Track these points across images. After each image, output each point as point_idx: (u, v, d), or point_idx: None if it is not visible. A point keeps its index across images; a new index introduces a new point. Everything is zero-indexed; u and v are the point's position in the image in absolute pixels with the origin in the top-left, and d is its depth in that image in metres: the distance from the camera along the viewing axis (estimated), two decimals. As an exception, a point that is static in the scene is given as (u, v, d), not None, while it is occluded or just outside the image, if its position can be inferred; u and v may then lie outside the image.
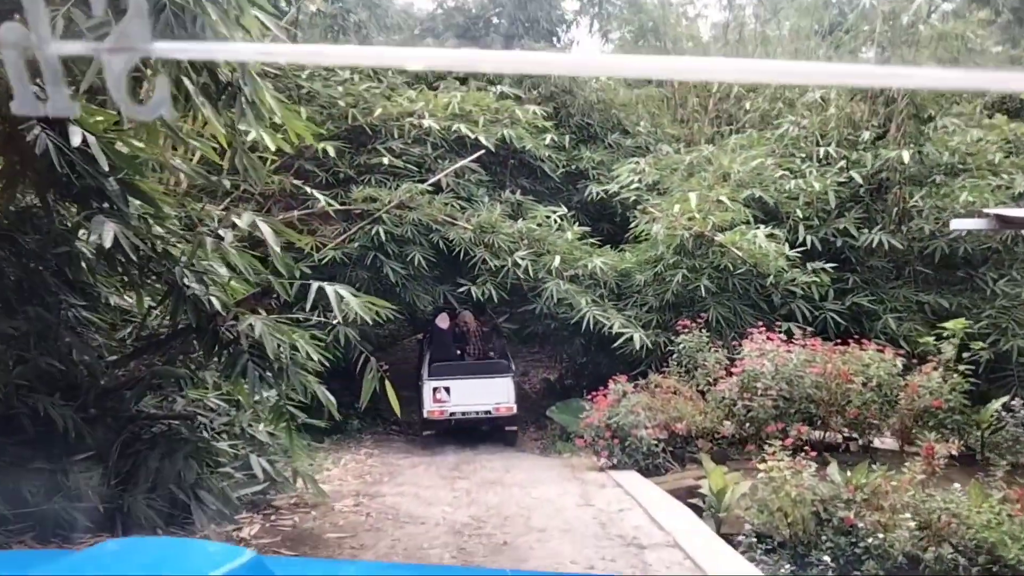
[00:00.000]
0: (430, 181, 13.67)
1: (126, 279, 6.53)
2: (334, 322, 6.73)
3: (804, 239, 14.40)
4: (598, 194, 16.72)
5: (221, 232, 6.36)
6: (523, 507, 9.35)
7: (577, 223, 15.49)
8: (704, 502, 9.75)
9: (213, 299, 6.16)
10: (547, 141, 16.63)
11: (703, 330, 13.09)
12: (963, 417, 11.45)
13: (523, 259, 13.97)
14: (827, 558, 8.23)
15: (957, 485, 8.83)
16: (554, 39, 24.07)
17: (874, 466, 9.39)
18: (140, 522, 6.28)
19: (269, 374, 6.33)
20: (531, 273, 13.92)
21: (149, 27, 1.05)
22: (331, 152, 13.21)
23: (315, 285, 6.21)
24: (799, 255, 13.91)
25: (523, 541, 7.91)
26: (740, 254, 13.42)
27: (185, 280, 6.08)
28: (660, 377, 12.73)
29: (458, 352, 15.60)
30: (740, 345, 12.36)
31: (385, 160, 14.33)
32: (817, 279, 13.72)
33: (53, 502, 6.07)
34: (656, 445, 11.49)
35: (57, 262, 6.42)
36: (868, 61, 15.77)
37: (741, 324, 13.65)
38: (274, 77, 13.38)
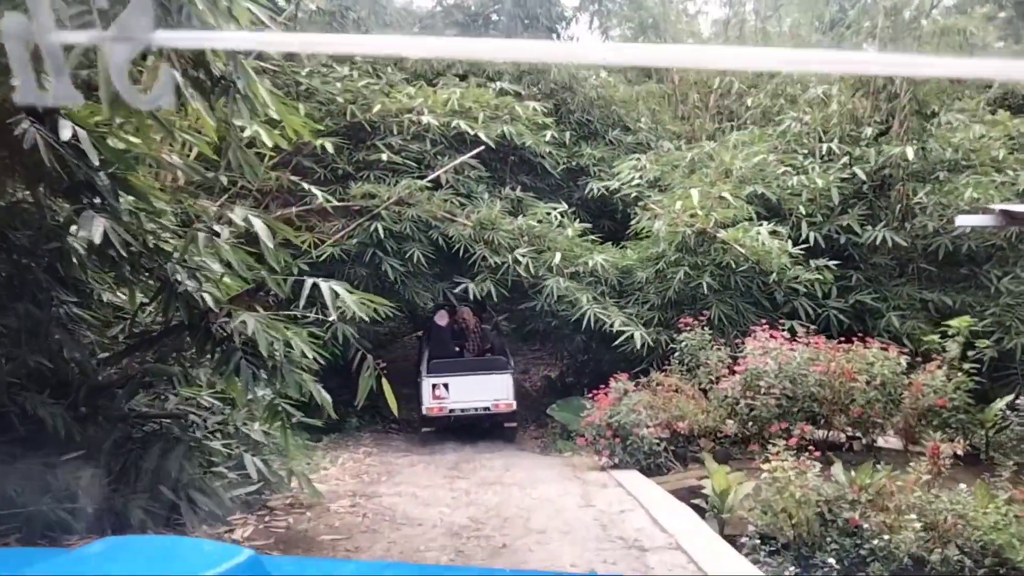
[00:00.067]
0: (429, 177, 13.55)
1: (117, 275, 6.39)
2: (330, 319, 6.55)
3: (807, 236, 14.27)
4: (599, 191, 16.62)
5: (217, 228, 6.23)
6: (523, 508, 9.22)
7: (578, 220, 15.42)
8: (707, 503, 9.63)
9: (206, 295, 6.04)
10: (547, 138, 16.49)
11: (705, 328, 12.96)
12: (967, 416, 11.32)
13: (523, 256, 13.88)
14: (832, 560, 8.10)
15: (963, 486, 8.71)
16: (554, 36, 23.94)
17: (878, 466, 9.26)
18: (131, 523, 6.15)
19: (263, 372, 6.20)
20: (531, 270, 13.82)
21: (152, 17, 1.06)
22: (329, 148, 13.05)
23: (309, 281, 6.08)
24: (802, 252, 13.78)
25: (522, 543, 7.78)
26: (743, 251, 13.31)
27: (177, 276, 5.96)
28: (662, 375, 12.62)
29: (457, 349, 15.55)
30: (743, 343, 12.25)
31: (384, 156, 14.21)
32: (820, 276, 13.60)
33: (41, 502, 5.95)
34: (658, 444, 11.37)
35: (48, 258, 6.30)
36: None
37: (743, 322, 13.56)
38: (272, 73, 13.27)
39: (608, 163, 17.43)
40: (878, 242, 14.46)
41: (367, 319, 7.15)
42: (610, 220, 17.10)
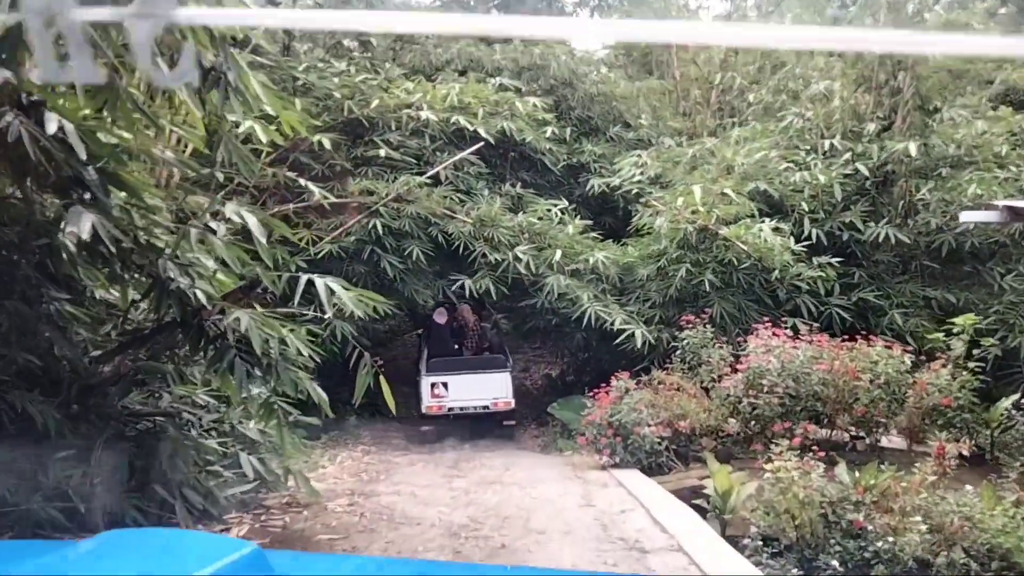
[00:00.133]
0: (428, 174, 13.38)
1: (109, 272, 6.27)
2: (326, 316, 6.44)
3: (809, 233, 14.16)
4: (599, 187, 16.51)
5: (214, 225, 6.11)
6: (522, 507, 9.10)
7: (578, 217, 15.30)
8: (708, 503, 9.51)
9: (198, 292, 5.91)
10: (548, 134, 16.42)
11: (707, 326, 12.86)
12: (972, 416, 11.21)
13: (524, 253, 13.77)
14: (835, 562, 7.97)
15: (969, 487, 8.59)
16: (555, 31, 23.79)
17: (883, 466, 9.15)
18: (123, 523, 6.04)
19: (257, 370, 6.09)
20: (532, 268, 13.73)
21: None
22: (327, 145, 12.96)
23: (304, 278, 5.96)
24: (804, 249, 13.68)
25: (521, 544, 7.67)
26: (745, 248, 13.19)
27: (169, 273, 5.84)
28: (663, 373, 12.51)
29: (455, 347, 15.51)
30: (745, 341, 12.14)
31: (382, 152, 14.13)
32: (823, 274, 13.49)
33: (32, 502, 5.84)
34: (659, 443, 11.27)
35: (39, 255, 6.18)
36: (873, 53, 15.49)
37: (745, 320, 13.45)
38: (268, 69, 13.16)
39: (609, 160, 17.36)
40: (881, 239, 14.36)
41: (365, 316, 7.06)
42: (611, 217, 17.00)
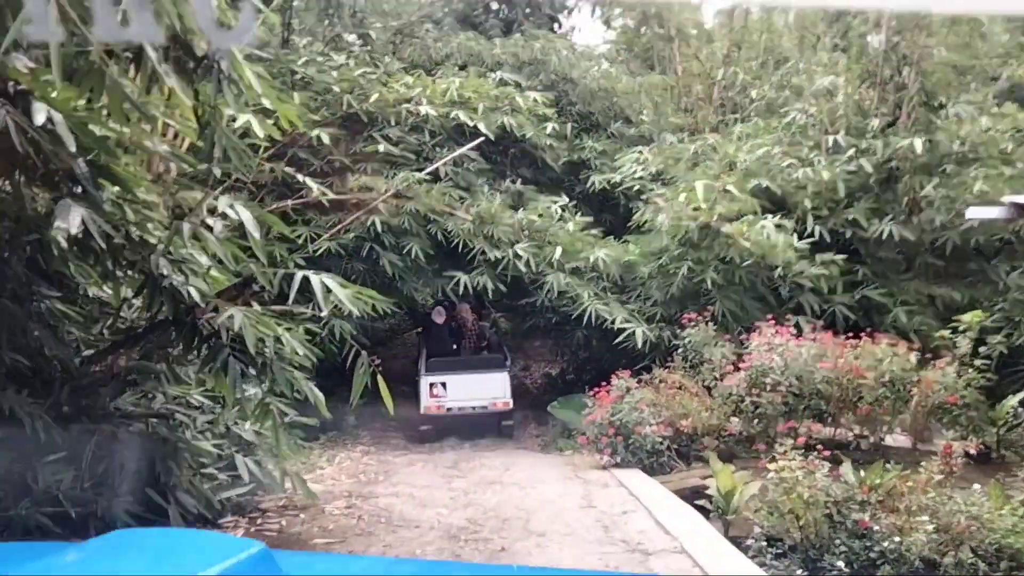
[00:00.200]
0: (428, 170, 13.27)
1: (101, 269, 6.13)
2: (322, 314, 6.30)
3: (812, 230, 14.01)
4: (600, 184, 16.41)
5: (210, 221, 5.97)
6: (522, 509, 8.98)
7: (579, 214, 15.14)
8: (711, 503, 9.39)
9: (192, 290, 5.78)
10: (548, 130, 16.29)
11: (709, 324, 12.73)
12: (978, 414, 11.09)
13: (524, 251, 13.64)
14: (841, 563, 7.85)
15: (977, 486, 8.45)
16: (555, 25, 23.72)
17: (888, 465, 9.03)
18: (114, 527, 5.90)
19: (252, 369, 5.96)
20: (532, 265, 13.59)
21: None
22: (326, 140, 12.85)
23: (300, 275, 5.82)
24: (808, 246, 13.54)
25: (521, 547, 7.54)
26: (747, 245, 13.05)
27: (162, 269, 5.70)
28: (665, 372, 12.39)
29: (454, 347, 15.51)
30: (747, 339, 12.02)
31: (381, 148, 13.97)
32: (826, 271, 13.36)
33: (20, 507, 5.71)
34: (661, 443, 11.16)
35: (29, 250, 6.04)
36: (878, 47, 15.36)
37: (748, 318, 13.30)
38: (267, 63, 13.04)
39: (610, 156, 17.25)
40: (884, 236, 14.19)
41: (364, 315, 6.95)
42: (612, 214, 16.87)
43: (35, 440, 5.76)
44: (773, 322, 12.04)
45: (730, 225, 13.31)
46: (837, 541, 8.02)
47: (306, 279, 5.78)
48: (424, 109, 14.39)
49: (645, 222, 14.65)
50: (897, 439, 11.81)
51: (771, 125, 16.30)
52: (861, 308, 13.99)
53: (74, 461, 6.08)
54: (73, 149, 4.93)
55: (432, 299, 14.98)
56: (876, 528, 7.99)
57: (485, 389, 14.27)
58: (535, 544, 7.62)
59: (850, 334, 11.93)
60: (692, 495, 9.90)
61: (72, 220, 4.92)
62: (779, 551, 8.14)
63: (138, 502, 6.24)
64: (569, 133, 17.41)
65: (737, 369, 11.58)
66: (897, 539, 7.81)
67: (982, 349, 11.46)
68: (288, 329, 6.28)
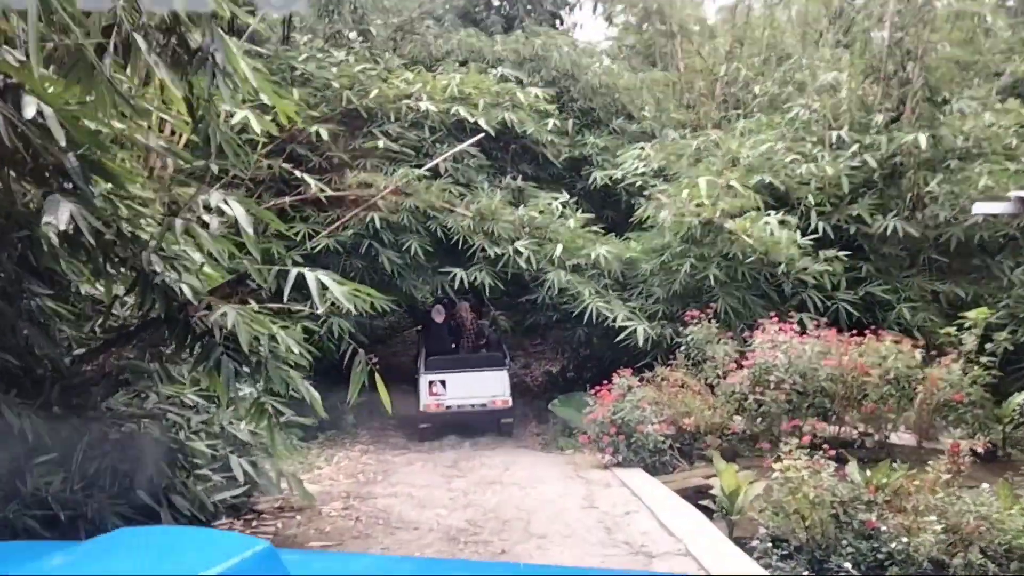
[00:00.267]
0: (428, 166, 13.14)
1: (93, 266, 5.99)
2: (318, 312, 6.18)
3: (816, 226, 13.90)
4: (602, 181, 16.27)
5: (207, 217, 5.84)
6: (523, 509, 8.86)
7: (580, 210, 15.02)
8: (715, 503, 9.27)
9: (184, 287, 5.65)
10: (549, 126, 16.17)
11: (711, 321, 12.60)
12: (984, 411, 10.98)
13: (524, 248, 13.50)
14: (848, 564, 7.73)
15: (986, 485, 8.32)
16: (557, 21, 23.59)
17: (894, 464, 8.90)
18: (105, 530, 5.76)
19: (246, 368, 5.83)
20: (532, 262, 13.46)
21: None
22: (325, 136, 12.75)
23: (294, 272, 5.68)
24: (811, 243, 13.42)
25: (522, 548, 7.42)
26: (750, 242, 12.92)
27: (154, 266, 5.57)
28: (667, 370, 12.30)
29: (452, 345, 15.53)
30: (751, 336, 11.90)
31: (381, 144, 13.82)
32: (830, 268, 13.24)
33: (8, 509, 5.57)
34: (663, 442, 11.06)
35: (19, 247, 5.90)
36: (881, 42, 15.24)
37: (750, 315, 13.24)
38: (266, 59, 12.94)
39: (612, 152, 17.12)
40: (888, 232, 14.07)
41: (363, 313, 6.84)
42: (613, 211, 16.75)
43: (24, 441, 5.63)
44: (776, 319, 11.93)
45: (733, 221, 13.18)
46: (844, 542, 7.92)
47: (301, 276, 5.64)
48: (424, 105, 14.25)
49: (647, 218, 14.52)
50: (902, 437, 11.70)
51: (774, 121, 16.17)
52: (864, 305, 13.87)
53: (64, 462, 5.95)
54: (63, 143, 4.80)
55: (432, 297, 14.88)
56: (883, 529, 7.89)
57: (484, 387, 14.24)
58: (536, 546, 7.50)
59: (854, 331, 11.84)
60: (695, 495, 9.81)
61: (61, 216, 4.79)
62: (785, 552, 8.03)
63: (129, 504, 6.10)
64: (570, 129, 17.30)
65: (740, 367, 11.47)
66: (905, 540, 7.71)
67: (988, 346, 11.32)
68: (284, 327, 6.15)
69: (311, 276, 5.61)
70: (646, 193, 14.95)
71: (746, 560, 7.38)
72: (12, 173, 5.58)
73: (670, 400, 11.57)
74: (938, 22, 15.05)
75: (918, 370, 10.99)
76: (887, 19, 15.14)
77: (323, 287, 5.66)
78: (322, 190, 11.00)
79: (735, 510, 8.98)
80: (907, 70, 14.83)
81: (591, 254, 13.85)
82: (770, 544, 8.05)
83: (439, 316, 15.60)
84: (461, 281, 13.76)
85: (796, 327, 11.78)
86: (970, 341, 11.17)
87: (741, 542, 8.14)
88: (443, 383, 14.13)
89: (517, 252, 13.44)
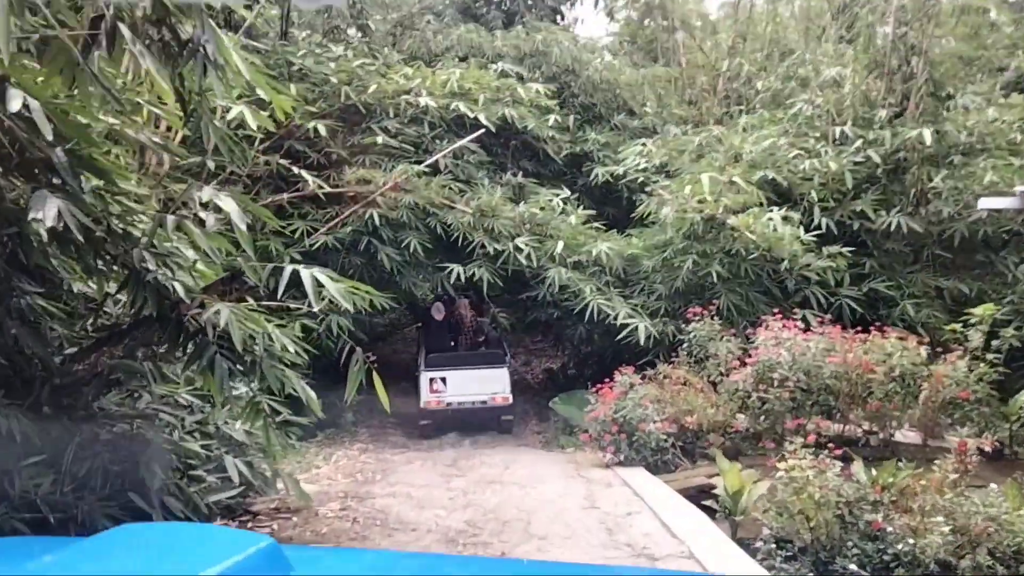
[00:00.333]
0: (427, 162, 13.00)
1: (83, 263, 5.87)
2: (316, 310, 6.05)
3: (819, 222, 13.79)
4: (603, 177, 16.13)
5: (203, 214, 5.71)
6: (523, 510, 8.74)
7: (581, 207, 14.92)
8: (718, 503, 9.15)
9: (176, 284, 5.53)
10: (550, 122, 16.03)
11: (714, 318, 12.50)
12: (990, 409, 10.86)
13: (525, 244, 13.38)
14: (853, 565, 7.61)
15: (994, 486, 8.20)
16: (558, 16, 23.45)
17: (900, 463, 8.80)
18: (95, 532, 5.66)
19: (240, 367, 5.70)
20: (533, 259, 13.35)
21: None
22: (323, 131, 12.62)
23: (289, 269, 5.55)
24: (814, 239, 13.29)
25: (522, 551, 7.30)
26: (753, 238, 12.80)
27: (145, 264, 5.44)
28: (669, 367, 12.18)
29: (451, 343, 15.56)
30: (754, 333, 11.80)
31: (379, 140, 13.71)
32: (833, 264, 13.11)
33: (-3, 513, 5.46)
34: (665, 440, 10.96)
35: (9, 244, 5.78)
36: (885, 37, 15.13)
37: (753, 312, 13.15)
38: (264, 54, 12.81)
39: (613, 148, 17.00)
40: (892, 228, 13.98)
41: (363, 310, 6.73)
42: (615, 207, 16.64)
43: (12, 442, 5.50)
44: (780, 316, 11.82)
45: (735, 217, 13.07)
46: (849, 543, 7.80)
47: (296, 273, 5.51)
48: (423, 100, 14.11)
49: (648, 215, 14.44)
50: (907, 435, 11.57)
51: (777, 116, 16.05)
52: (868, 301, 13.78)
53: (54, 464, 5.83)
54: (50, 138, 4.67)
55: (432, 294, 14.79)
56: (890, 529, 7.78)
57: (485, 384, 14.23)
58: (536, 548, 7.38)
59: (858, 328, 11.74)
60: (697, 494, 9.72)
61: (48, 212, 4.67)
62: (789, 553, 7.93)
63: (121, 506, 5.98)
64: (571, 125, 17.15)
65: (743, 364, 11.36)
66: (911, 541, 7.60)
67: (994, 343, 11.21)
68: (280, 326, 6.03)
69: (306, 273, 5.47)
70: (648, 189, 14.84)
71: (750, 563, 7.27)
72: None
73: (672, 398, 11.46)
74: (942, 17, 14.94)
75: (923, 367, 10.87)
76: (891, 14, 15.01)
77: (319, 284, 5.52)
78: (320, 187, 10.87)
79: (738, 510, 8.87)
80: (911, 65, 14.70)
81: (592, 251, 13.72)
82: (774, 545, 7.95)
83: (439, 313, 15.58)
84: (460, 277, 13.65)
85: (800, 324, 11.67)
86: (976, 338, 11.06)
87: (744, 543, 8.04)
88: (444, 380, 14.11)
89: (517, 249, 13.33)
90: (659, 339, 13.00)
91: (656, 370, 12.30)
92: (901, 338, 11.21)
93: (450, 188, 13.85)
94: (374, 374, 6.11)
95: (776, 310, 12.29)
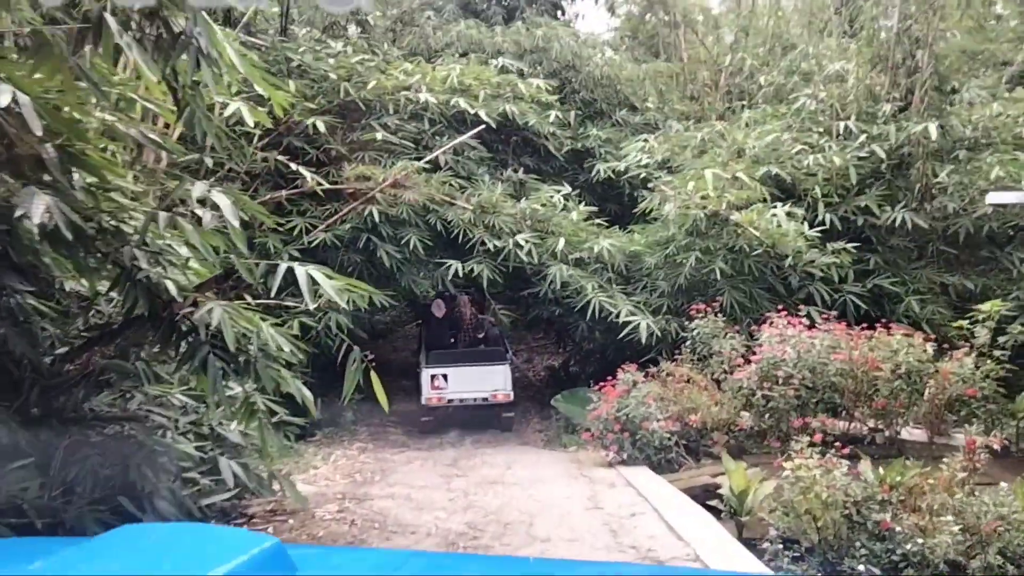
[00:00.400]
0: (427, 159, 12.87)
1: (74, 261, 5.73)
2: (312, 308, 5.91)
3: (823, 218, 13.66)
4: (605, 173, 16.03)
5: (200, 211, 5.58)
6: (525, 511, 8.60)
7: (582, 203, 14.81)
8: (723, 503, 9.03)
9: (169, 283, 5.39)
10: (551, 118, 15.94)
11: (717, 315, 12.37)
12: (997, 407, 10.74)
13: (526, 241, 13.26)
14: (861, 566, 7.50)
15: (1005, 485, 8.07)
16: (559, 12, 23.35)
17: (907, 461, 8.67)
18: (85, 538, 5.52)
19: (233, 367, 5.56)
20: (534, 256, 13.23)
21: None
22: (322, 128, 12.50)
23: (283, 266, 5.41)
24: (818, 235, 13.18)
25: (525, 554, 7.16)
26: (757, 234, 12.69)
27: (137, 261, 5.31)
28: (672, 365, 12.04)
29: (451, 340, 15.52)
30: (758, 330, 11.67)
31: (379, 136, 13.56)
32: (837, 260, 13.00)
33: (-19, 518, 5.32)
34: (669, 439, 10.82)
35: (-2, 242, 5.65)
36: (889, 30, 14.99)
37: (757, 309, 13.01)
38: (262, 50, 12.70)
39: (614, 144, 16.92)
40: (896, 224, 13.90)
41: (363, 308, 6.61)
42: (616, 204, 16.57)
43: None
44: (784, 313, 11.70)
45: (739, 213, 12.96)
46: (857, 543, 7.71)
47: (291, 271, 5.37)
48: (423, 96, 14.00)
49: (651, 211, 14.32)
50: (912, 432, 11.43)
51: (780, 111, 15.97)
52: (872, 297, 13.66)
53: (43, 467, 5.69)
54: (39, 133, 4.55)
55: (432, 291, 14.69)
56: (898, 529, 7.66)
57: (486, 381, 14.18)
58: (539, 551, 7.24)
59: (862, 324, 11.62)
60: (702, 493, 9.60)
61: (35, 208, 4.54)
62: (796, 554, 7.83)
63: (111, 511, 5.83)
64: (572, 121, 17.05)
65: (748, 362, 11.23)
66: (920, 540, 7.49)
67: (1000, 339, 11.09)
68: (276, 324, 5.90)
69: (300, 271, 5.33)
70: (650, 185, 14.72)
71: (757, 563, 7.15)
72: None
73: (676, 396, 11.34)
74: (947, 10, 14.81)
75: (929, 364, 10.73)
76: (895, 7, 14.86)
77: (314, 282, 5.38)
78: (319, 183, 10.75)
79: (744, 510, 8.75)
80: (916, 58, 14.56)
81: (594, 247, 13.65)
82: (781, 546, 7.82)
83: (439, 310, 15.54)
84: (458, 274, 13.54)
85: (805, 321, 11.54)
86: (983, 334, 10.93)
87: (751, 543, 7.92)
88: (445, 377, 14.08)
89: (518, 245, 13.21)
90: (662, 336, 12.88)
91: (659, 368, 12.16)
92: (907, 335, 11.07)
93: (450, 185, 13.72)
94: (372, 373, 5.97)
95: (780, 307, 12.15)
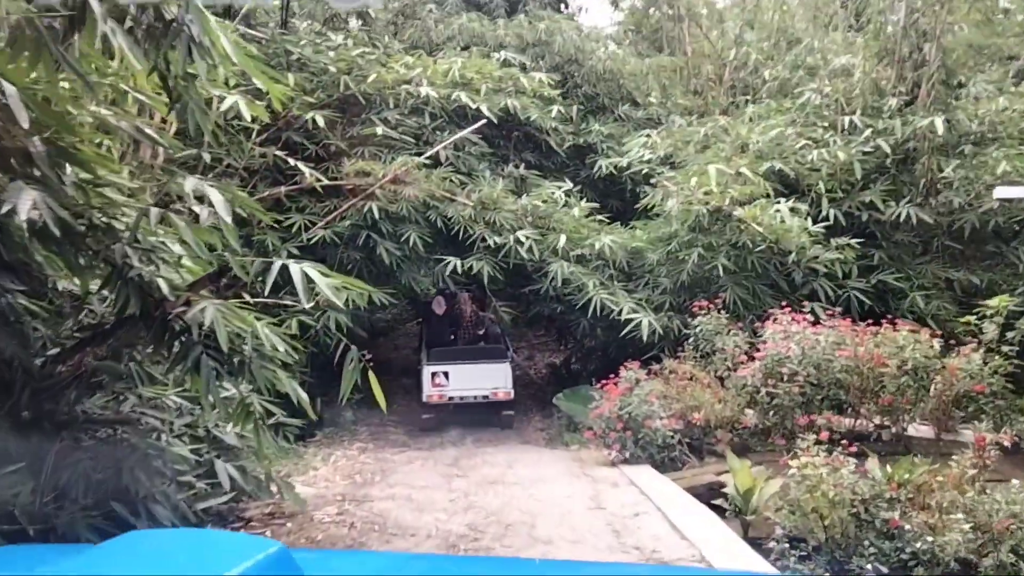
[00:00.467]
0: (428, 154, 12.74)
1: (65, 259, 5.60)
2: (307, 306, 5.79)
3: (827, 213, 13.55)
4: (607, 169, 15.92)
5: (197, 208, 5.45)
6: (526, 512, 8.47)
7: (584, 199, 14.67)
8: (728, 502, 8.91)
9: (161, 281, 5.27)
10: (553, 113, 15.83)
11: (720, 312, 12.27)
12: (1005, 402, 10.61)
13: (526, 237, 13.14)
14: (869, 566, 7.39)
15: (1016, 482, 7.94)
16: (562, 5, 23.24)
17: (915, 458, 8.57)
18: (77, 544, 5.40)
19: (227, 368, 5.44)
20: (535, 252, 13.11)
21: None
22: (321, 123, 12.36)
23: (277, 263, 5.28)
24: (822, 230, 13.06)
25: (526, 556, 7.04)
26: (760, 230, 12.58)
27: (128, 259, 5.18)
28: (675, 362, 11.94)
29: (451, 337, 15.44)
30: (761, 327, 11.57)
31: (379, 131, 13.42)
32: (841, 256, 12.90)
33: (-32, 523, 5.21)
34: (672, 437, 10.67)
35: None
36: (895, 24, 14.85)
37: (760, 305, 12.88)
38: (262, 43, 12.58)
39: (617, 140, 16.80)
40: (901, 219, 13.78)
41: (362, 306, 6.50)
42: (618, 200, 16.42)
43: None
44: (788, 309, 11.59)
45: (742, 209, 12.84)
46: (865, 542, 7.61)
47: (285, 268, 5.24)
48: (424, 90, 13.85)
49: (653, 207, 14.21)
50: (919, 429, 11.32)
51: (784, 106, 15.86)
52: (876, 293, 13.56)
53: (34, 472, 5.57)
54: (26, 125, 4.41)
55: (433, 288, 14.58)
56: (907, 527, 7.56)
57: (487, 379, 14.14)
58: (540, 553, 7.12)
59: (868, 320, 11.53)
60: (706, 492, 9.49)
61: (21, 204, 4.41)
62: (803, 553, 7.73)
63: (104, 516, 5.71)
64: (575, 116, 16.94)
65: (751, 359, 11.13)
66: (930, 539, 7.40)
67: (1008, 334, 10.98)
68: (273, 323, 5.78)
69: (295, 268, 5.20)
70: (652, 181, 14.62)
71: (764, 563, 7.04)
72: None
73: (679, 394, 11.22)
74: (955, 3, 14.66)
75: (936, 360, 10.63)
76: (902, 0, 14.72)
77: (309, 280, 5.25)
78: (318, 179, 10.63)
79: (750, 509, 8.64)
80: (923, 52, 14.41)
81: (595, 244, 13.53)
82: (787, 545, 7.73)
83: (440, 308, 15.50)
84: (459, 271, 13.41)
85: (809, 317, 11.43)
86: (991, 330, 10.82)
87: (756, 543, 7.81)
88: (445, 374, 14.04)
89: (519, 242, 13.08)
90: (664, 333, 12.76)
91: (662, 365, 12.06)
92: (913, 331, 10.96)
93: (451, 180, 13.61)
94: (370, 373, 5.85)
95: (783, 303, 12.06)
